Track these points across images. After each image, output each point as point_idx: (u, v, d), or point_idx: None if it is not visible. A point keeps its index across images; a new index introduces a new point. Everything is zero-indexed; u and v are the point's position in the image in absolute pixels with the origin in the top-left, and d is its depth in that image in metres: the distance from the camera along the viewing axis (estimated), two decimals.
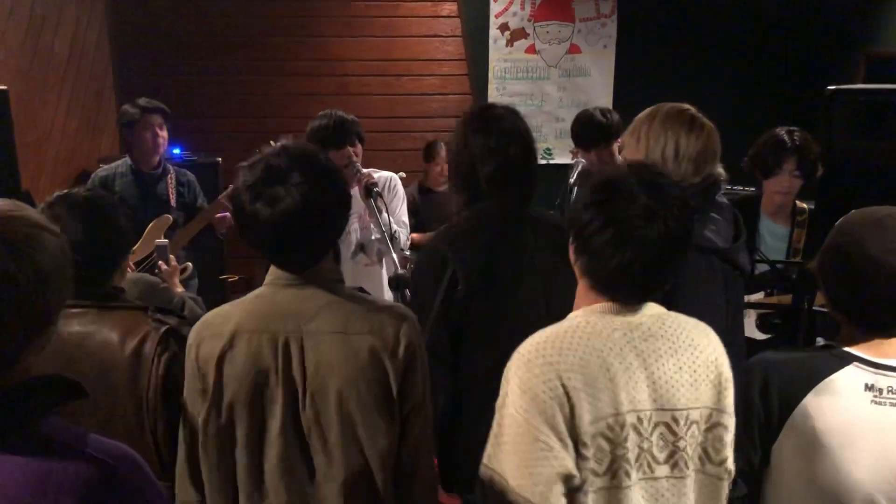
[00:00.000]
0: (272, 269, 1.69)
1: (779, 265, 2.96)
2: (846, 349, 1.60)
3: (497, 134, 2.19)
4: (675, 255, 1.46)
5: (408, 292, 3.03)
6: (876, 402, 1.54)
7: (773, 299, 3.00)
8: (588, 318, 1.49)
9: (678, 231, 1.43)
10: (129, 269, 3.17)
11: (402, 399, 1.65)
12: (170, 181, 3.99)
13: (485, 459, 1.49)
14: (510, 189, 2.17)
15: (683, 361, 1.46)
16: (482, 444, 2.08)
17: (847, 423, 1.54)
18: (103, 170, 3.97)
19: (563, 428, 1.38)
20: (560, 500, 1.37)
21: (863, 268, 1.56)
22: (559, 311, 1.91)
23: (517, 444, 1.41)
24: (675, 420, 1.44)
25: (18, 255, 1.09)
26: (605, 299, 1.50)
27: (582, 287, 1.55)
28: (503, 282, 2.12)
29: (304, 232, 1.60)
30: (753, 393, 1.63)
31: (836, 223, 1.68)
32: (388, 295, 3.74)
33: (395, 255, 3.23)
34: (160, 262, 3.31)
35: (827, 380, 1.57)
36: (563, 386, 1.38)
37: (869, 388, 1.54)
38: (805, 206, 3.20)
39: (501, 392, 1.48)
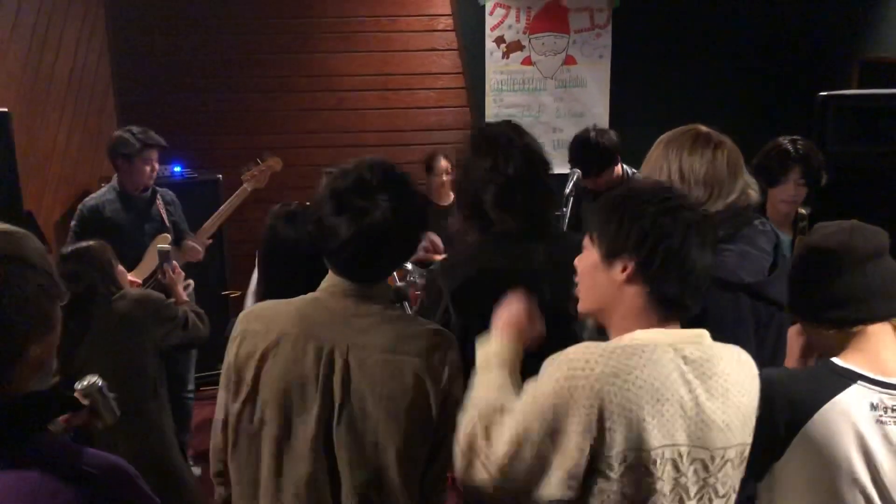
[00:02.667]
0: (330, 275, 1.68)
1: None
2: (848, 366, 1.59)
3: (494, 155, 2.06)
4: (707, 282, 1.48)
5: (406, 304, 3.05)
6: (880, 422, 1.53)
7: None
8: (650, 341, 1.42)
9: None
10: (132, 285, 3.19)
11: (439, 424, 1.63)
12: (159, 202, 4.09)
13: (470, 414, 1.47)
14: (516, 210, 2.04)
15: (730, 402, 1.42)
16: None
17: (853, 444, 1.53)
18: (91, 199, 4.02)
19: (573, 452, 1.35)
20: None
21: (813, 261, 1.66)
22: (565, 338, 1.82)
23: (516, 429, 1.39)
24: (712, 458, 1.41)
25: None
26: (663, 319, 1.46)
27: (636, 303, 1.47)
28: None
29: (383, 249, 1.61)
30: (759, 412, 1.58)
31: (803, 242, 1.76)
32: None
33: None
34: (165, 268, 3.31)
35: (833, 400, 1.55)
36: (601, 410, 1.33)
37: (874, 407, 1.54)
38: (804, 211, 3.22)
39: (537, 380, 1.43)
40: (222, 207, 4.34)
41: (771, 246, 2.17)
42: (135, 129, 4.00)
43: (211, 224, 4.28)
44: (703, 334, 1.47)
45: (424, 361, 1.61)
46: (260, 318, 1.68)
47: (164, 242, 3.86)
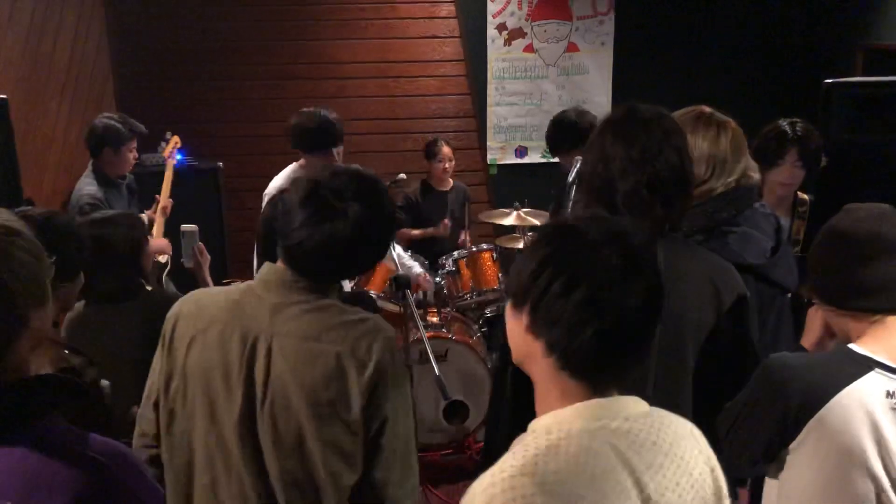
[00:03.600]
0: (267, 264, 1.67)
1: None
2: (865, 352, 1.58)
3: (641, 143, 1.76)
4: (651, 326, 1.19)
5: (409, 292, 3.04)
6: (895, 409, 1.53)
7: None
8: (568, 426, 1.15)
9: (657, 294, 1.17)
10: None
11: (366, 417, 1.57)
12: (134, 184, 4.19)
13: None
14: (651, 212, 1.75)
15: (680, 476, 1.16)
16: None
17: (868, 431, 1.53)
18: (86, 190, 3.88)
19: None
20: None
21: (841, 246, 1.61)
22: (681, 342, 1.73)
23: None
24: None
25: None
26: (580, 387, 1.17)
27: (546, 371, 1.19)
28: None
29: (344, 257, 1.60)
30: (773, 400, 1.60)
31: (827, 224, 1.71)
32: None
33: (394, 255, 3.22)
34: (192, 250, 3.14)
35: (850, 387, 1.54)
36: None
37: (890, 395, 1.54)
38: (807, 197, 3.20)
39: None
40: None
41: (772, 229, 2.17)
42: (115, 116, 3.99)
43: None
44: (630, 399, 1.20)
45: (349, 349, 1.56)
46: (196, 303, 1.68)
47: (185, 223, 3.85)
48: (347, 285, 3.61)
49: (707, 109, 2.17)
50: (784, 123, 3.07)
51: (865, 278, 1.58)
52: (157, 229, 4.11)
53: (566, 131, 3.75)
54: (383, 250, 1.71)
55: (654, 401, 1.25)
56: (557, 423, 1.16)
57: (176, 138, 4.71)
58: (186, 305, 1.69)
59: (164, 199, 4.26)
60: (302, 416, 1.57)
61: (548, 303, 1.14)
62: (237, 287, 1.69)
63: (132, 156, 4.01)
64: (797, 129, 3.03)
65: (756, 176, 2.16)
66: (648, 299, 1.15)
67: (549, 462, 1.09)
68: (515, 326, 1.21)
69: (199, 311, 1.66)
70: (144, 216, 3.99)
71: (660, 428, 1.18)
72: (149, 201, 4.25)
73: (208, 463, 1.64)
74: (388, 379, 1.58)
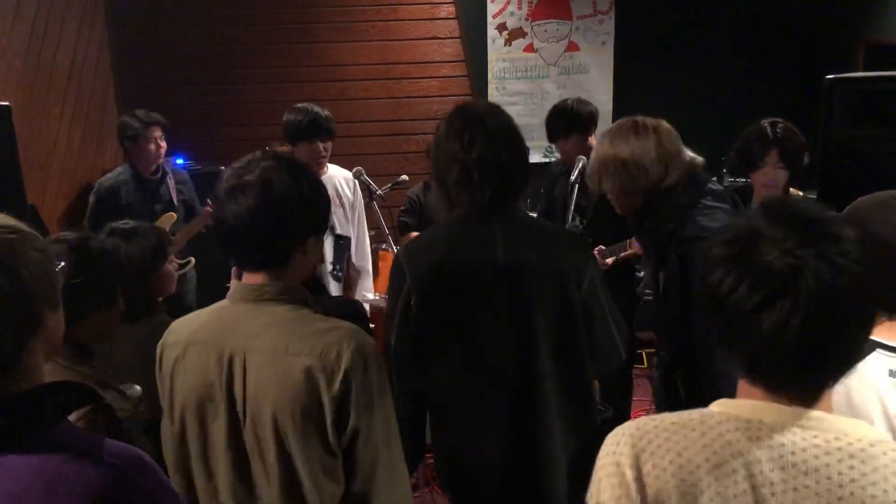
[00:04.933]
0: (234, 283, 1.67)
1: None
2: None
3: (461, 137, 2.03)
4: (842, 321, 1.06)
5: None
6: None
7: None
8: (723, 422, 1.12)
9: (843, 280, 1.04)
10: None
11: (337, 426, 1.53)
12: (170, 182, 4.30)
13: None
14: (477, 192, 2.02)
15: None
16: (448, 447, 2.14)
17: (875, 411, 1.53)
18: (107, 179, 4.18)
19: None
20: None
21: (870, 247, 1.57)
22: (527, 314, 2.01)
23: None
24: None
25: None
26: (757, 390, 1.12)
27: (740, 384, 1.16)
28: (459, 296, 2.04)
29: (259, 232, 1.57)
30: None
31: (844, 210, 1.69)
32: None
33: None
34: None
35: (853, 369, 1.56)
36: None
37: (893, 374, 1.54)
38: (800, 193, 3.20)
39: None
40: (190, 224, 4.30)
41: (730, 200, 2.40)
42: (138, 111, 4.15)
43: (183, 237, 4.23)
44: (835, 419, 1.10)
45: (318, 360, 1.52)
46: (173, 332, 1.68)
47: (168, 222, 3.93)
48: (334, 290, 3.62)
49: (639, 118, 2.37)
50: (765, 124, 3.07)
51: None
52: (184, 234, 4.13)
53: (561, 116, 3.77)
54: (302, 226, 1.64)
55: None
56: (722, 409, 1.14)
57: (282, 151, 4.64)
58: (170, 335, 1.68)
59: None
60: (280, 433, 1.55)
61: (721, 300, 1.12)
62: (211, 307, 1.69)
63: (153, 146, 4.10)
64: (777, 130, 3.03)
65: (700, 160, 2.38)
66: (825, 286, 1.04)
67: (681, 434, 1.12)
68: None
69: (177, 337, 1.65)
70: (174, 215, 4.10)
71: (848, 457, 1.04)
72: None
73: (208, 482, 1.65)
74: (358, 389, 1.53)
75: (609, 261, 3.65)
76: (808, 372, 1.08)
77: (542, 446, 2.07)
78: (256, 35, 5.72)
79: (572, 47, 5.91)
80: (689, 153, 2.38)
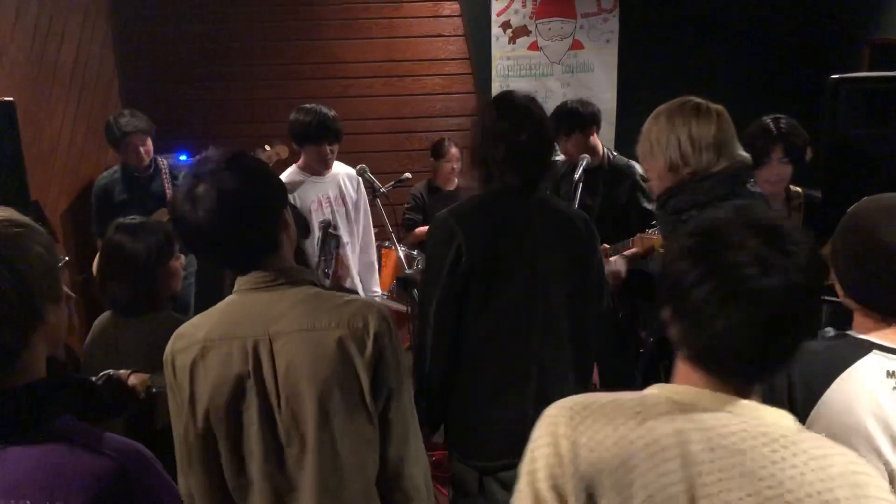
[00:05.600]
0: (239, 277, 1.67)
1: None
2: (863, 337, 1.59)
3: (510, 119, 2.28)
4: (793, 326, 1.13)
5: (416, 292, 3.04)
6: None
7: None
8: (660, 404, 1.17)
9: (800, 289, 1.10)
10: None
11: (374, 391, 1.61)
12: (164, 177, 4.34)
13: None
14: (520, 172, 2.27)
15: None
16: (476, 402, 2.28)
17: (871, 412, 1.53)
18: (103, 178, 4.30)
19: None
20: None
21: (877, 254, 1.55)
22: (547, 294, 2.28)
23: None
24: None
25: None
26: (696, 376, 1.18)
27: (678, 364, 1.22)
28: (503, 259, 2.25)
29: (228, 228, 1.58)
30: (776, 390, 1.59)
31: (848, 211, 1.68)
32: (356, 277, 3.87)
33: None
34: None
35: (850, 368, 1.55)
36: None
37: (891, 374, 1.54)
38: (800, 189, 3.20)
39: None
40: None
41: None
42: (124, 114, 4.17)
43: None
44: (777, 412, 1.16)
45: (347, 329, 1.59)
46: (182, 336, 1.66)
47: (162, 217, 3.92)
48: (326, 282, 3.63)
49: (697, 99, 2.34)
50: (768, 120, 3.07)
51: None
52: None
53: (562, 115, 3.80)
54: (274, 208, 1.65)
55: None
56: (661, 393, 1.21)
57: (280, 149, 4.56)
58: (178, 341, 1.66)
59: None
60: (317, 408, 1.57)
61: (683, 293, 1.17)
62: (219, 305, 1.69)
63: (133, 153, 4.15)
64: (781, 125, 3.04)
65: (746, 155, 2.35)
66: (786, 287, 1.11)
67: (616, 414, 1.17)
68: None
69: (189, 340, 1.64)
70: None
71: (791, 448, 1.09)
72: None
73: (240, 478, 1.64)
74: (387, 352, 1.61)
75: (613, 259, 3.65)
76: (750, 367, 1.15)
77: None
78: (259, 32, 5.71)
79: (576, 45, 5.89)
80: (741, 150, 2.35)
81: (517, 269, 2.26)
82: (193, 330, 1.66)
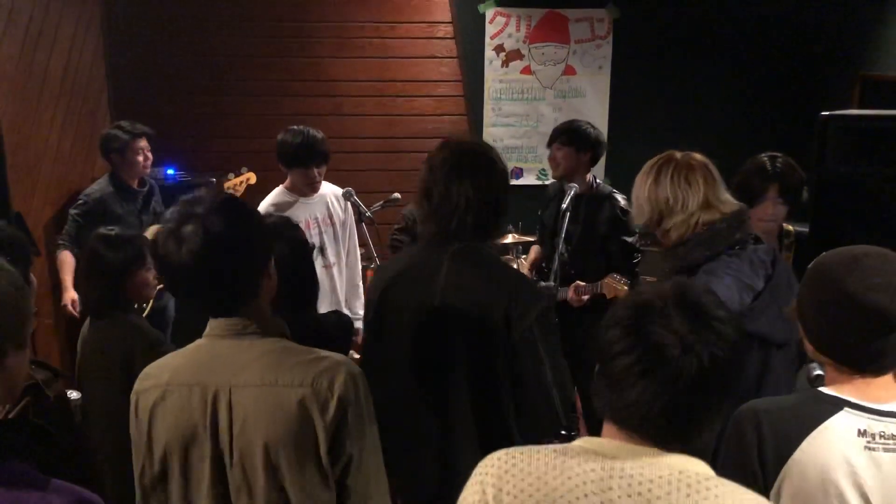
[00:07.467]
0: (211, 320, 1.64)
1: None
2: (835, 393, 1.57)
3: (429, 173, 2.18)
4: (710, 398, 1.21)
5: None
6: (869, 448, 1.50)
7: None
8: (582, 454, 1.26)
9: (717, 367, 1.19)
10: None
11: (333, 456, 1.54)
12: (156, 195, 4.39)
13: None
14: (432, 226, 2.17)
15: None
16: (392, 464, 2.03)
17: (843, 471, 1.50)
18: (94, 191, 4.24)
19: None
20: None
21: (844, 307, 1.52)
22: (451, 349, 2.07)
23: None
24: None
25: None
26: (619, 433, 1.26)
27: (605, 420, 1.31)
28: (399, 311, 2.15)
29: (212, 272, 1.54)
30: (746, 447, 1.58)
31: (813, 262, 1.64)
32: (342, 298, 3.83)
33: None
34: None
35: (820, 427, 1.53)
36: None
37: (862, 433, 1.51)
38: (791, 228, 3.18)
39: None
40: None
41: (762, 274, 2.25)
42: (122, 123, 4.19)
43: None
44: (685, 458, 1.24)
45: (310, 388, 1.52)
46: (149, 376, 1.64)
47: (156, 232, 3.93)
48: (323, 307, 3.57)
49: (676, 154, 2.36)
50: (764, 158, 3.03)
51: (876, 348, 1.53)
52: None
53: (568, 128, 3.86)
54: (260, 255, 1.62)
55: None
56: (581, 443, 1.30)
57: (249, 175, 4.71)
58: (145, 380, 1.63)
59: None
60: (273, 466, 1.53)
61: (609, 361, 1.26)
62: (188, 347, 1.65)
63: (140, 158, 4.16)
64: (777, 164, 2.98)
65: (728, 210, 2.30)
66: (699, 370, 1.20)
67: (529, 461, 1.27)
68: None
69: (155, 381, 1.61)
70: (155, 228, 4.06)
71: (684, 490, 1.18)
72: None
73: None
74: (350, 417, 1.54)
75: (585, 297, 3.64)
76: (667, 431, 1.22)
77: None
78: (253, 47, 5.70)
79: (569, 71, 5.91)
80: (725, 200, 2.34)
81: (412, 329, 2.12)
82: (159, 371, 1.62)
